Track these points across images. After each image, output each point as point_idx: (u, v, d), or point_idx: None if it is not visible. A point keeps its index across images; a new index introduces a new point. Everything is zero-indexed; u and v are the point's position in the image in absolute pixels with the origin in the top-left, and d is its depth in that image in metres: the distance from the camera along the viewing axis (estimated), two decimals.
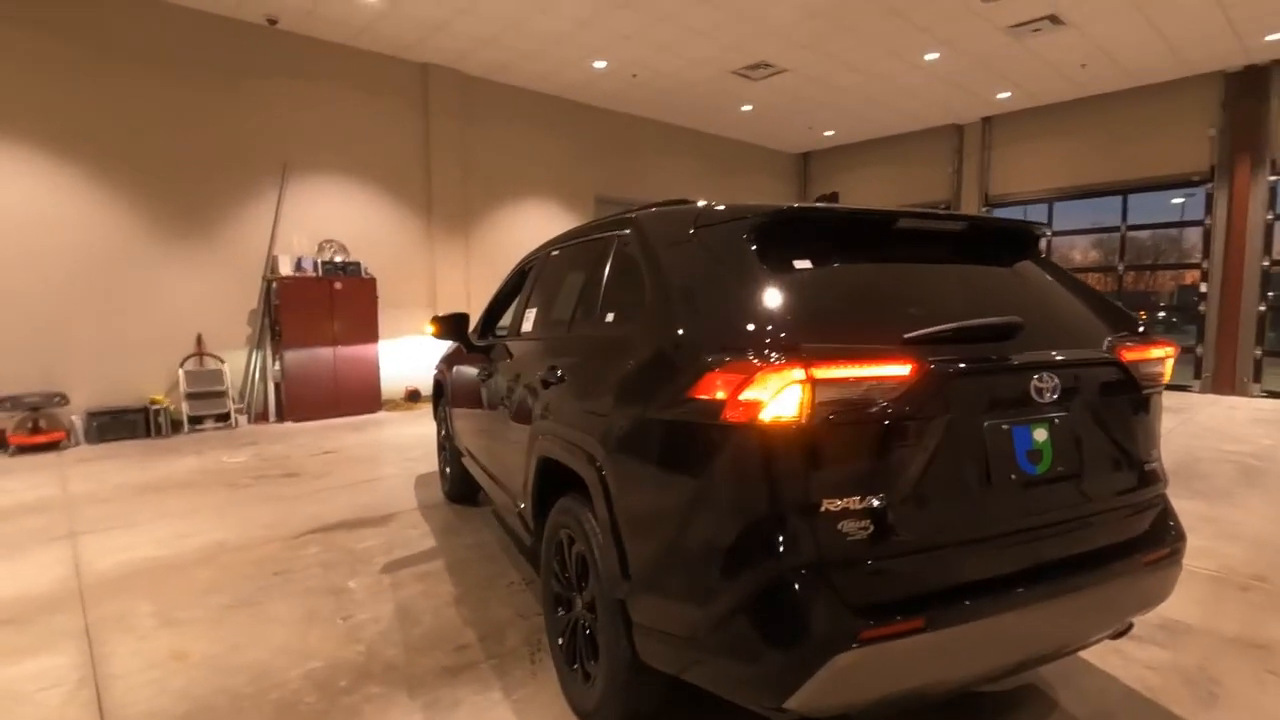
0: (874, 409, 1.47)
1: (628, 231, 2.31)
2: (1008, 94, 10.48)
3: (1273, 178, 9.21)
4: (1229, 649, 2.57)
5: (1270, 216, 9.31)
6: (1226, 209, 9.51)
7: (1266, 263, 9.36)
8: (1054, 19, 7.63)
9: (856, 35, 8.20)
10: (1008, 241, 2.11)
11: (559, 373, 2.31)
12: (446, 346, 4.86)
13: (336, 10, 7.36)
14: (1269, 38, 8.19)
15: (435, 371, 4.80)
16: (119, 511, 4.44)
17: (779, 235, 1.76)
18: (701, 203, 2.13)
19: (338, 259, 8.08)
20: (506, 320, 4.02)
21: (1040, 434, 1.67)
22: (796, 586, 1.44)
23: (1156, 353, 1.89)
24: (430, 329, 3.77)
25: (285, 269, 7.66)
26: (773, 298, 1.62)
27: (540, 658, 2.52)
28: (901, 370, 1.48)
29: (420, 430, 7.20)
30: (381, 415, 8.25)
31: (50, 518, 4.33)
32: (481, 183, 9.66)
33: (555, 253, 3.01)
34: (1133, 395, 1.84)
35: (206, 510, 4.44)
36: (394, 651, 2.60)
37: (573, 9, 7.29)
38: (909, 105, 11.01)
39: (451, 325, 3.77)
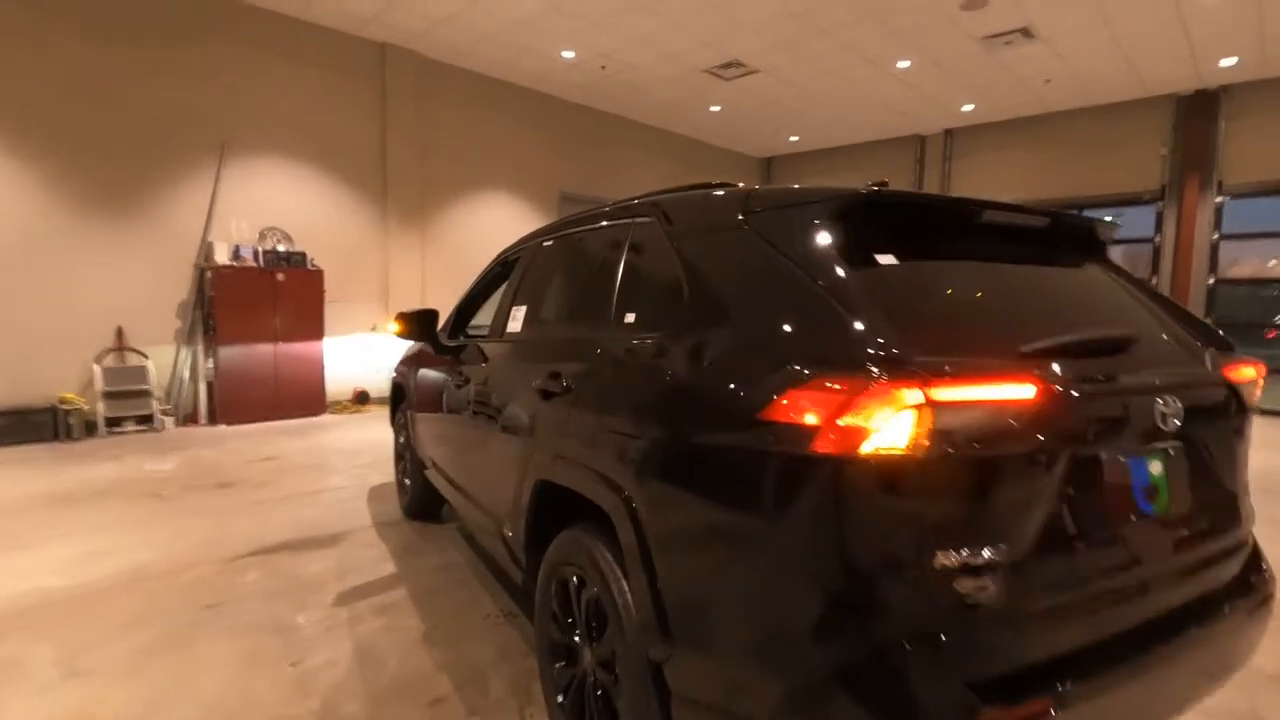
0: (996, 439, 1.19)
1: (648, 219, 1.99)
2: (971, 106, 10.59)
3: (1219, 198, 9.55)
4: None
5: (1216, 236, 9.66)
6: (1175, 227, 9.83)
7: (1212, 281, 9.69)
8: (1026, 32, 7.67)
9: (832, 39, 8.09)
10: (1082, 241, 1.88)
11: (565, 382, 1.96)
12: (408, 347, 4.42)
13: None
14: (1223, 63, 8.45)
15: (395, 374, 4.35)
16: (19, 528, 3.84)
17: (861, 223, 1.47)
18: (741, 185, 1.84)
19: (281, 248, 7.46)
20: (482, 319, 3.66)
21: (1156, 467, 1.43)
22: (902, 657, 1.15)
23: (1251, 373, 1.68)
24: (394, 327, 3.36)
25: (222, 257, 7.00)
26: (862, 299, 1.32)
27: (532, 713, 2.16)
28: (1028, 391, 1.20)
29: (370, 435, 6.68)
30: (326, 418, 7.66)
31: None
32: (440, 173, 9.15)
33: (548, 243, 2.65)
34: (1238, 420, 1.62)
35: (126, 526, 3.88)
36: (355, 707, 2.20)
37: None
38: (875, 114, 11.02)
39: (418, 323, 3.38)
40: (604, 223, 2.27)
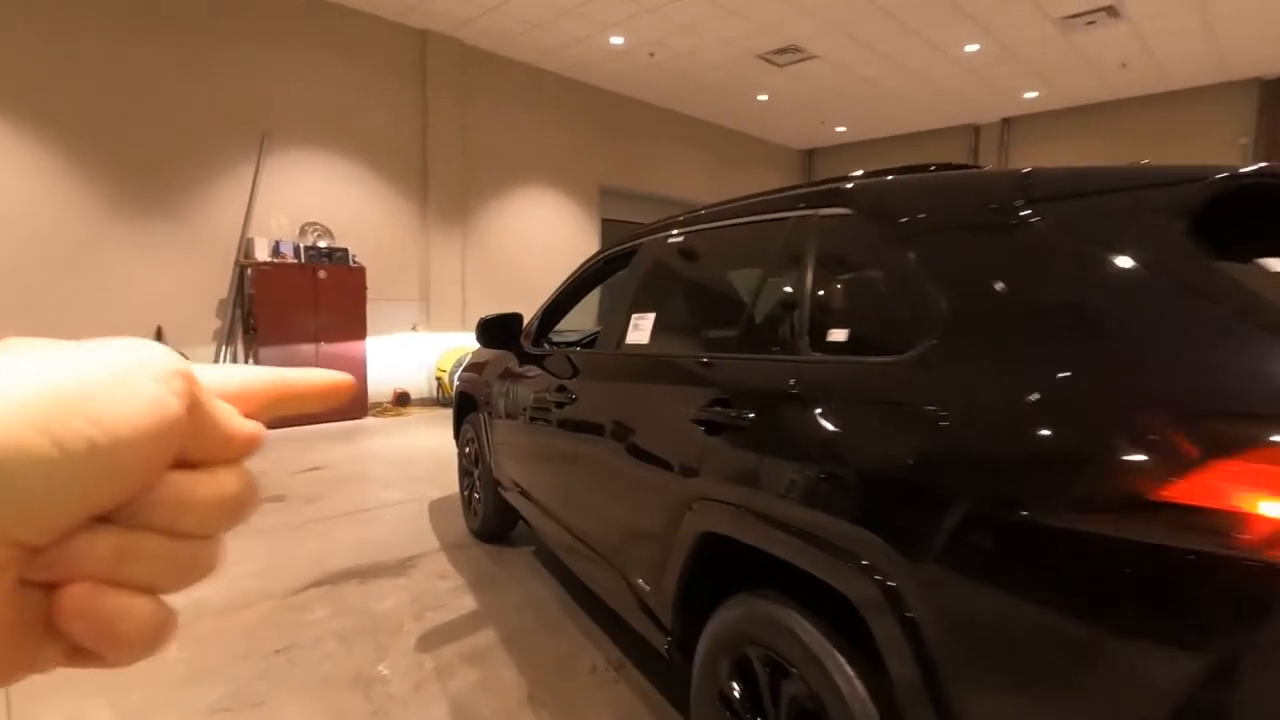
0: None
1: (842, 211, 1.59)
2: (1035, 94, 10.04)
3: None
4: None
5: None
6: None
7: None
8: (1112, 11, 7.14)
9: (895, 21, 7.61)
10: None
11: (741, 413, 1.58)
12: (474, 352, 4.06)
13: None
14: None
15: (460, 381, 3.99)
16: None
17: (1230, 215, 1.06)
18: (988, 166, 1.44)
19: (322, 244, 7.15)
20: (563, 323, 3.29)
21: None
22: None
23: None
24: (478, 333, 3.00)
25: (262, 254, 6.71)
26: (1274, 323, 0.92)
27: None
28: None
29: (418, 442, 6.36)
30: (369, 421, 7.35)
31: None
32: (480, 168, 8.79)
33: (677, 239, 2.26)
34: None
35: None
36: None
37: None
38: (931, 102, 10.50)
39: (503, 329, 3.02)
40: (765, 215, 1.88)
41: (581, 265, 2.98)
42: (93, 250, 6.01)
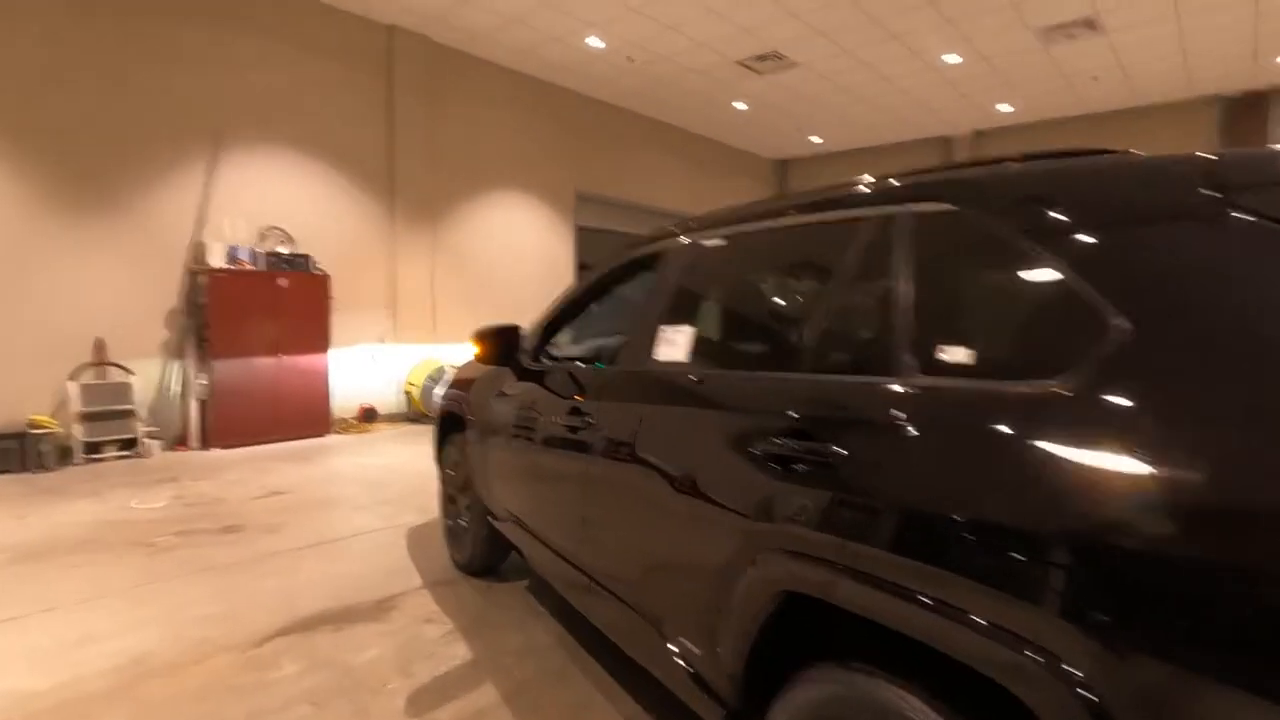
0: None
1: (945, 207, 1.34)
2: (1009, 107, 10.14)
3: None
4: None
5: None
6: None
7: None
8: (1090, 24, 7.20)
9: (879, 28, 7.54)
10: None
11: (832, 447, 1.30)
12: (462, 366, 3.71)
13: None
14: None
15: (444, 400, 3.64)
16: None
17: None
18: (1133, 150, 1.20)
19: (283, 250, 6.68)
20: (561, 336, 2.98)
21: None
22: None
23: None
24: (474, 347, 2.67)
25: (216, 259, 6.22)
26: None
27: None
28: None
29: (387, 460, 5.94)
30: (332, 439, 6.88)
31: None
32: (451, 172, 8.42)
33: (716, 242, 1.98)
34: None
35: (114, 593, 3.13)
36: None
37: None
38: (906, 113, 10.53)
39: (502, 342, 2.71)
40: (833, 214, 1.61)
41: (598, 272, 2.66)
42: (25, 253, 5.45)
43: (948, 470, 1.12)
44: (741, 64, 8.61)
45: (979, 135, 11.44)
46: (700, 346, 1.86)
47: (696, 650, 1.65)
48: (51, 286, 5.59)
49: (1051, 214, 1.16)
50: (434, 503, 4.56)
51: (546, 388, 2.55)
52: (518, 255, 9.32)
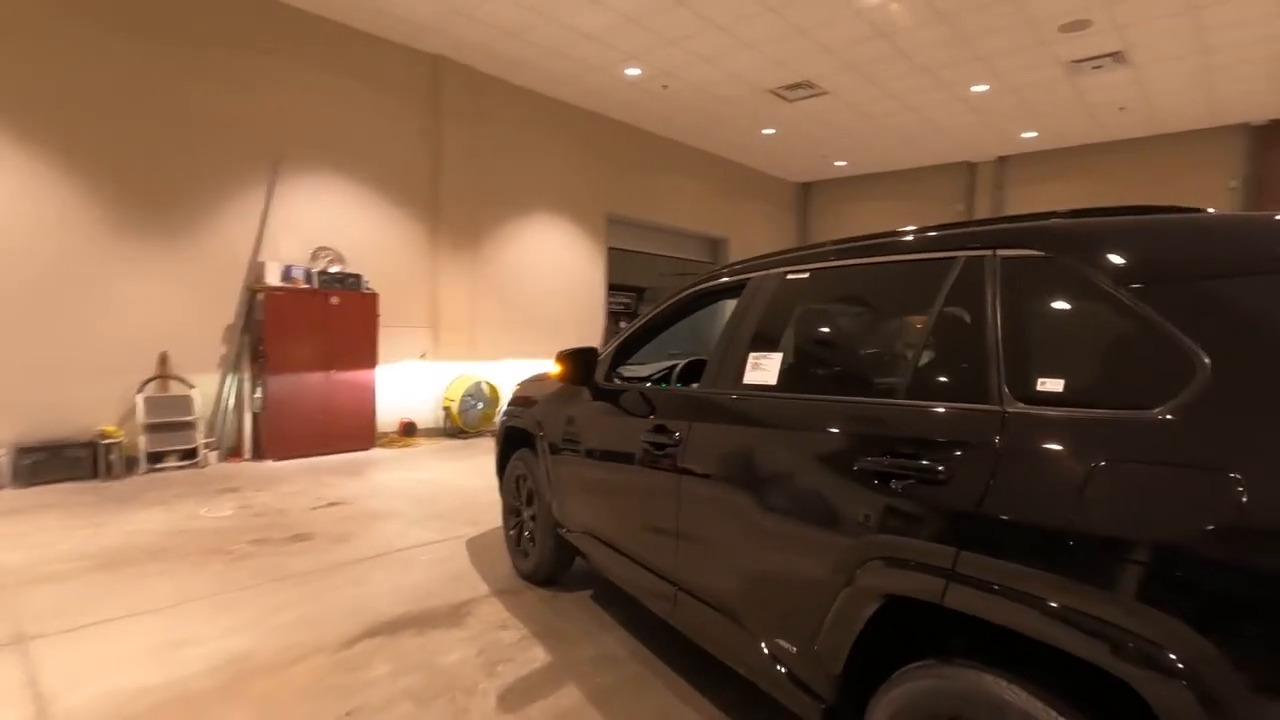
0: None
1: (1033, 252, 1.51)
2: (1033, 133, 10.30)
3: None
4: None
5: None
6: None
7: None
8: (1118, 57, 7.36)
9: (909, 61, 7.76)
10: None
11: (935, 466, 1.46)
12: (524, 384, 3.90)
13: None
14: None
15: (508, 416, 3.82)
16: (78, 599, 3.26)
17: None
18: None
19: (334, 269, 6.95)
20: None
21: None
22: None
23: None
24: (561, 366, 2.86)
25: (273, 278, 6.49)
26: None
27: None
28: None
29: (432, 475, 6.12)
30: (376, 453, 7.09)
31: None
32: (491, 194, 8.70)
33: (799, 276, 2.15)
34: None
35: (202, 598, 3.31)
36: None
37: (628, 2, 6.51)
38: (931, 139, 10.71)
39: (582, 363, 2.89)
40: (922, 255, 1.79)
41: (669, 300, 2.84)
42: (95, 272, 5.74)
43: (1053, 488, 1.28)
44: (772, 92, 8.85)
45: (1002, 161, 11.59)
46: (793, 372, 2.03)
47: (793, 650, 1.79)
48: (120, 304, 5.86)
49: (1137, 265, 1.33)
50: (484, 516, 4.77)
51: (627, 407, 2.72)
52: (552, 276, 9.56)
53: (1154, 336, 1.26)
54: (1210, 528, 1.08)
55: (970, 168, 11.98)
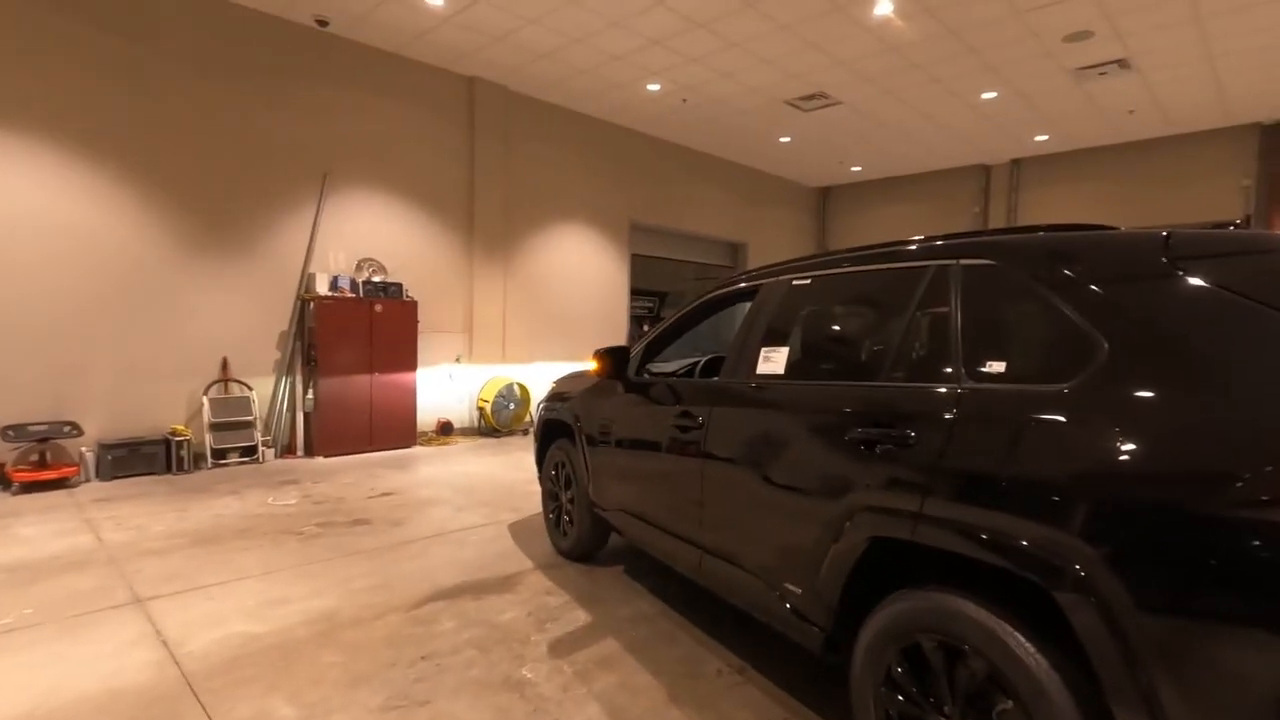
0: None
1: (986, 262, 1.89)
2: (1045, 136, 10.53)
3: None
4: None
5: None
6: None
7: None
8: (1123, 63, 7.62)
9: (922, 72, 8.08)
10: None
11: (908, 433, 1.85)
12: (561, 379, 4.33)
13: (394, 15, 6.87)
14: None
15: (545, 410, 4.25)
16: (180, 569, 3.75)
17: None
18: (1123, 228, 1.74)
19: (376, 279, 7.46)
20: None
21: None
22: None
23: None
24: (599, 362, 3.29)
25: (322, 288, 7.01)
26: None
27: None
28: None
29: (471, 469, 6.58)
30: (417, 450, 7.58)
31: (98, 576, 3.61)
32: (522, 205, 9.18)
33: (803, 282, 2.55)
34: None
35: (286, 568, 3.79)
36: None
37: (652, 26, 6.95)
38: (944, 144, 10.98)
39: (617, 359, 3.32)
40: (900, 264, 2.17)
41: (692, 304, 3.26)
42: (165, 283, 6.29)
43: (994, 444, 1.66)
44: (788, 103, 9.22)
45: (1016, 163, 11.81)
46: (796, 363, 2.43)
47: (799, 591, 2.19)
48: (188, 313, 6.42)
49: (1062, 271, 1.71)
50: (524, 504, 5.21)
51: (654, 397, 3.13)
52: (578, 283, 10.02)
53: (1070, 327, 1.64)
54: (1101, 470, 1.46)
55: (985, 170, 12.21)
